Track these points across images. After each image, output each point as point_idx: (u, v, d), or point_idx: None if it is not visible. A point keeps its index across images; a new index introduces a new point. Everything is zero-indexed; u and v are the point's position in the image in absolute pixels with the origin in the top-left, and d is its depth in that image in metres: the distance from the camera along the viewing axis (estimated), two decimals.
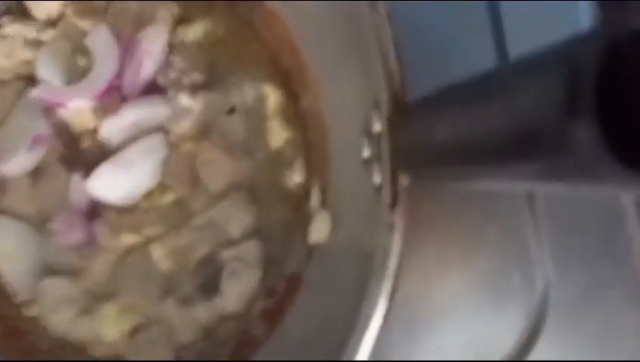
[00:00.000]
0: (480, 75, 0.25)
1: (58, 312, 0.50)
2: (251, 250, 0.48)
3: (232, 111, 0.51)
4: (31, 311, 0.51)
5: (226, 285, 0.48)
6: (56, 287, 0.50)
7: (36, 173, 0.51)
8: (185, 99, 0.50)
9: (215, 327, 0.49)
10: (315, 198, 0.47)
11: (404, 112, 0.31)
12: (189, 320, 0.49)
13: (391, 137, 0.32)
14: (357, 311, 0.34)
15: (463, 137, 0.26)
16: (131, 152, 0.50)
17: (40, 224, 0.51)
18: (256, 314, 0.49)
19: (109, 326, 0.50)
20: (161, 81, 0.50)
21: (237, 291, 0.48)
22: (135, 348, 0.50)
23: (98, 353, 0.50)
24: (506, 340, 0.49)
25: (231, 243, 0.49)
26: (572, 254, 0.49)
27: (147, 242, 0.50)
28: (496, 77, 0.24)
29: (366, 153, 0.38)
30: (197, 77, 0.50)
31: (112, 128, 0.51)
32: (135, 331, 0.50)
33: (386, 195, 0.33)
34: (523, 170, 0.22)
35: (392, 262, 0.31)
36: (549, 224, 0.49)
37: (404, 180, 0.32)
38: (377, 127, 0.35)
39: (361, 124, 0.39)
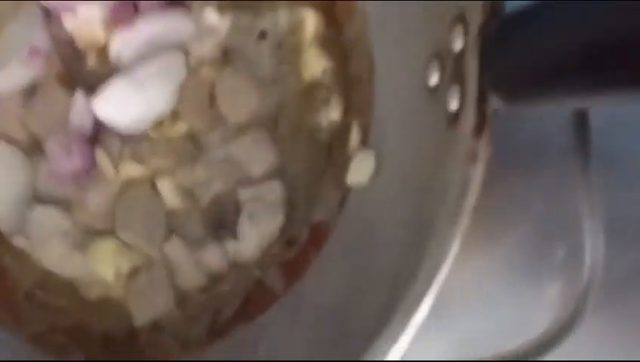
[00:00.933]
0: None
1: (48, 246, 0.45)
2: (274, 190, 0.43)
3: (262, 35, 0.46)
4: (17, 243, 0.45)
5: (243, 228, 0.43)
6: (47, 218, 0.45)
7: (30, 92, 0.45)
8: (211, 16, 0.44)
9: (226, 275, 0.44)
10: (354, 137, 0.42)
11: (502, 24, 0.26)
12: (197, 265, 0.44)
13: (482, 52, 0.27)
14: (409, 270, 0.30)
15: (567, 51, 0.22)
16: (145, 71, 0.44)
17: (31, 148, 0.46)
18: (274, 264, 0.44)
19: (105, 265, 0.45)
20: None
21: (255, 235, 0.43)
22: (133, 291, 0.45)
23: (91, 294, 0.46)
24: (542, 322, 0.45)
25: (251, 182, 0.44)
26: (627, 230, 0.45)
27: (153, 175, 0.45)
28: None
29: (435, 79, 0.33)
30: None
31: (123, 44, 0.45)
32: (134, 272, 0.45)
33: (469, 120, 0.28)
34: None
35: (471, 200, 0.27)
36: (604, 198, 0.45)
37: (494, 102, 0.27)
38: (459, 44, 0.30)
39: (430, 46, 0.34)
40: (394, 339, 0.28)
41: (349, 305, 0.38)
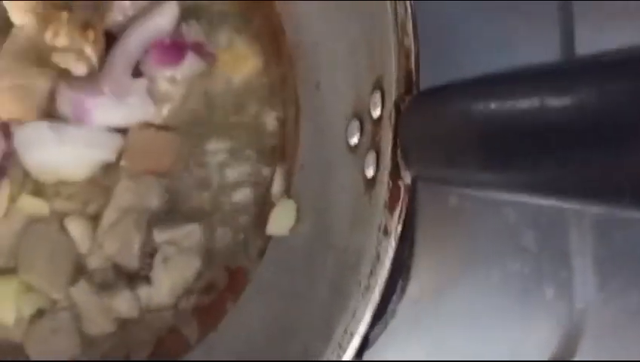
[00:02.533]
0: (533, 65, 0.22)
1: None
2: (193, 234, 0.43)
3: None
4: None
5: (156, 272, 0.43)
6: None
7: None
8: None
9: (137, 321, 0.43)
10: (277, 184, 0.42)
11: (418, 98, 0.27)
12: (105, 311, 0.43)
13: (396, 125, 0.28)
14: (325, 327, 0.31)
15: (489, 131, 0.23)
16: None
17: None
18: (188, 311, 0.44)
19: (5, 307, 0.43)
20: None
21: (169, 281, 0.43)
22: (34, 336, 0.43)
23: None
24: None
25: (165, 222, 0.44)
26: (619, 271, 0.44)
27: (61, 215, 0.44)
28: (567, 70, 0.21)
29: (355, 139, 0.34)
30: None
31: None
32: (37, 316, 0.44)
33: (383, 192, 0.29)
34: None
35: (382, 275, 0.28)
36: (596, 235, 0.45)
37: (407, 177, 0.28)
38: (377, 111, 0.31)
39: (351, 106, 0.35)
40: None
41: (265, 354, 0.38)
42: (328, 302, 0.31)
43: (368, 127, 0.32)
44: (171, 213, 0.43)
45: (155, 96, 0.41)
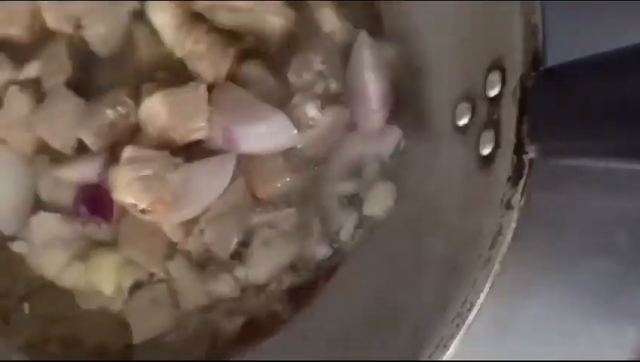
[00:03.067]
0: None
1: (49, 253, 0.45)
2: (289, 218, 0.44)
3: None
4: (17, 248, 0.46)
5: (255, 254, 0.44)
6: (50, 225, 0.46)
7: (39, 98, 0.45)
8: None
9: (230, 300, 0.45)
10: (374, 168, 0.44)
11: (548, 75, 0.28)
12: (200, 285, 0.45)
13: (522, 101, 0.29)
14: (438, 306, 0.31)
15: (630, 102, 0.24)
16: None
17: (36, 153, 0.46)
18: (281, 290, 0.45)
19: (106, 278, 0.45)
20: (293, 80, 0.44)
21: (267, 263, 0.44)
22: (132, 307, 0.46)
23: (88, 305, 0.46)
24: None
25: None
26: None
27: None
28: None
29: (465, 120, 0.35)
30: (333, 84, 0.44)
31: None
32: (135, 288, 0.46)
33: (505, 167, 0.30)
34: None
35: (503, 248, 0.28)
36: None
37: (532, 151, 0.29)
38: (495, 90, 0.32)
39: (459, 88, 0.36)
40: None
41: (362, 335, 0.39)
42: (440, 278, 0.32)
43: (482, 107, 0.33)
44: None
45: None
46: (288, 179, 0.44)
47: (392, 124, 0.43)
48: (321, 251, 0.45)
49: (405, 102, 0.43)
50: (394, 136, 0.43)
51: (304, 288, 0.45)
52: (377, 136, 0.43)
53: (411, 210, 0.39)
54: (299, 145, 0.43)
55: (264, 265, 0.44)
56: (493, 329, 0.45)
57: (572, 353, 0.46)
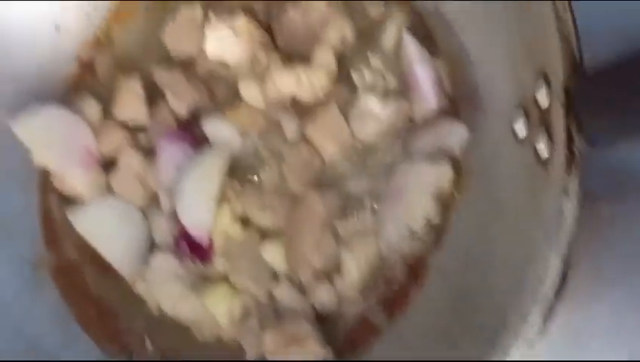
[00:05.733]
0: None
1: (166, 288, 0.54)
2: (367, 219, 0.52)
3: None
4: (138, 289, 0.55)
5: (345, 261, 0.51)
6: (165, 264, 0.54)
7: (148, 153, 0.55)
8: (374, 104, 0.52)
9: (331, 312, 0.52)
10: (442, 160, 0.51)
11: (585, 80, 0.35)
12: (304, 305, 0.53)
13: (567, 104, 0.36)
14: (515, 292, 0.38)
15: None
16: None
17: (148, 203, 0.56)
18: (374, 302, 0.52)
19: (220, 308, 0.53)
20: (356, 79, 0.53)
21: (358, 267, 0.51)
22: (244, 331, 0.53)
23: (204, 335, 0.54)
24: None
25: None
26: None
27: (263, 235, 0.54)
28: None
29: (520, 124, 0.42)
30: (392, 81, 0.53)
31: None
32: (246, 314, 0.53)
33: (559, 159, 0.37)
34: None
35: (567, 228, 0.35)
36: None
37: (582, 145, 0.36)
38: (543, 96, 0.39)
39: (512, 96, 0.43)
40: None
41: (455, 330, 0.45)
42: (512, 263, 0.38)
43: (534, 111, 0.40)
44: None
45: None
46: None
47: (457, 121, 0.50)
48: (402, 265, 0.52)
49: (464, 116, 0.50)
50: (460, 132, 0.50)
51: (395, 299, 0.52)
52: (445, 131, 0.51)
53: (483, 215, 0.46)
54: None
55: (355, 270, 0.51)
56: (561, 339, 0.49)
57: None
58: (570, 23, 0.37)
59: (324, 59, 0.52)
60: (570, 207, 0.36)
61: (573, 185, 0.36)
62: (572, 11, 0.36)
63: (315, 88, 0.52)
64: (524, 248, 0.38)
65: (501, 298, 0.38)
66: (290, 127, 0.53)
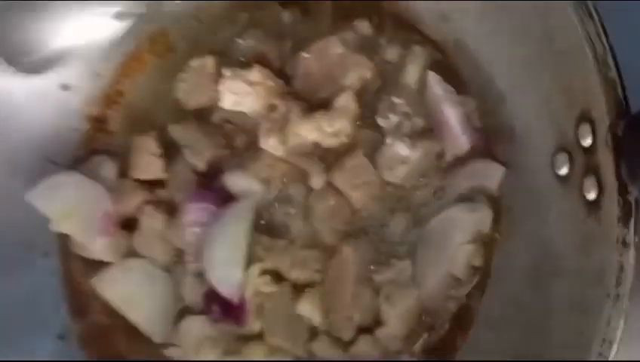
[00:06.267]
0: None
1: (200, 353, 0.53)
2: (406, 269, 0.50)
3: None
4: (169, 353, 0.53)
5: (385, 311, 0.50)
6: (197, 327, 0.53)
7: (171, 212, 0.54)
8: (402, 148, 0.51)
9: None
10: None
11: (633, 122, 0.34)
12: (346, 359, 0.51)
13: (616, 147, 0.35)
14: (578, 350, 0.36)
15: None
16: None
17: (174, 261, 0.54)
18: (419, 352, 0.51)
19: None
20: (382, 123, 0.52)
21: (398, 316, 0.50)
22: None
23: None
24: None
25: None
26: None
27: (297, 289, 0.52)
28: None
29: (564, 170, 0.41)
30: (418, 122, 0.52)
31: None
32: None
33: (613, 209, 0.35)
34: None
35: (628, 283, 0.33)
36: None
37: (635, 191, 0.34)
38: (588, 140, 0.38)
39: (553, 141, 0.42)
40: None
41: None
42: (573, 320, 0.37)
43: (579, 156, 0.38)
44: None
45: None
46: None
47: (492, 159, 0.49)
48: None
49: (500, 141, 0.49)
50: (496, 168, 0.49)
51: (441, 348, 0.50)
52: (481, 171, 0.49)
53: (529, 258, 0.44)
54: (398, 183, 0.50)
55: (396, 319, 0.50)
56: None
57: None
58: (611, 62, 0.35)
59: (345, 103, 0.51)
60: (630, 261, 0.34)
61: (631, 237, 0.34)
62: (612, 50, 0.35)
63: (338, 134, 0.51)
64: (580, 298, 0.36)
65: (559, 352, 0.37)
66: (315, 175, 0.52)
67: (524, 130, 0.45)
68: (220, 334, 0.53)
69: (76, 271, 0.56)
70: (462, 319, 0.50)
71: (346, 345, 0.51)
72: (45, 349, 0.54)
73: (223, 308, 0.52)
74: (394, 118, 0.52)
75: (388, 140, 0.51)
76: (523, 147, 0.46)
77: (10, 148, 0.54)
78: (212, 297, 0.52)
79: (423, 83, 0.52)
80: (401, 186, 0.51)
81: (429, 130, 0.51)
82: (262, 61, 0.54)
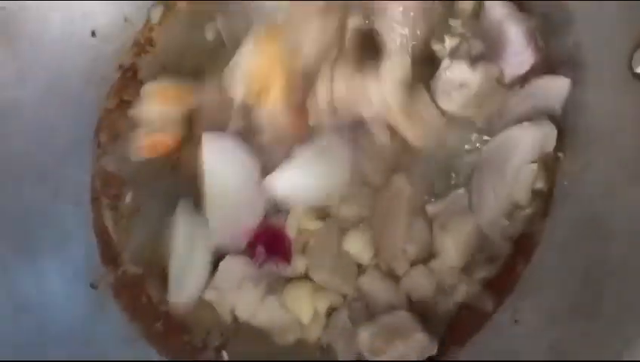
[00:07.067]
0: None
1: (241, 293, 0.50)
2: (460, 198, 0.48)
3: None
4: (208, 296, 0.51)
5: (440, 242, 0.48)
6: (236, 266, 0.51)
7: None
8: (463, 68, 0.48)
9: (429, 300, 0.48)
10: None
11: None
12: (394, 291, 0.48)
13: None
14: None
15: None
16: None
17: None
18: (477, 285, 0.48)
19: (303, 308, 0.49)
20: (437, 48, 0.49)
21: (454, 244, 0.47)
22: (332, 330, 0.49)
23: (287, 339, 0.50)
24: None
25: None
26: None
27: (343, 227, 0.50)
28: None
29: None
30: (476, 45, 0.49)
31: None
32: (331, 311, 0.49)
33: None
34: None
35: None
36: None
37: None
38: None
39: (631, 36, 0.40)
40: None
41: (580, 298, 0.41)
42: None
43: None
44: None
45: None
46: None
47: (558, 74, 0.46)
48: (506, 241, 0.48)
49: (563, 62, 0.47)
50: (562, 85, 0.46)
51: (501, 278, 0.47)
52: (544, 88, 0.47)
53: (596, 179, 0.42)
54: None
55: (452, 248, 0.47)
56: None
57: None
58: None
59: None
60: None
61: None
62: None
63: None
64: None
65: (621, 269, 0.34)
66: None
67: (594, 45, 0.43)
68: (261, 275, 0.50)
69: (107, 219, 0.55)
70: (524, 247, 0.47)
71: (397, 278, 0.48)
72: (79, 298, 0.53)
73: (269, 248, 0.50)
74: (451, 42, 0.49)
75: (444, 63, 0.48)
76: (588, 63, 0.44)
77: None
78: (258, 239, 0.50)
79: (479, 5, 0.49)
80: (458, 115, 0.48)
81: (487, 55, 0.48)
82: None
